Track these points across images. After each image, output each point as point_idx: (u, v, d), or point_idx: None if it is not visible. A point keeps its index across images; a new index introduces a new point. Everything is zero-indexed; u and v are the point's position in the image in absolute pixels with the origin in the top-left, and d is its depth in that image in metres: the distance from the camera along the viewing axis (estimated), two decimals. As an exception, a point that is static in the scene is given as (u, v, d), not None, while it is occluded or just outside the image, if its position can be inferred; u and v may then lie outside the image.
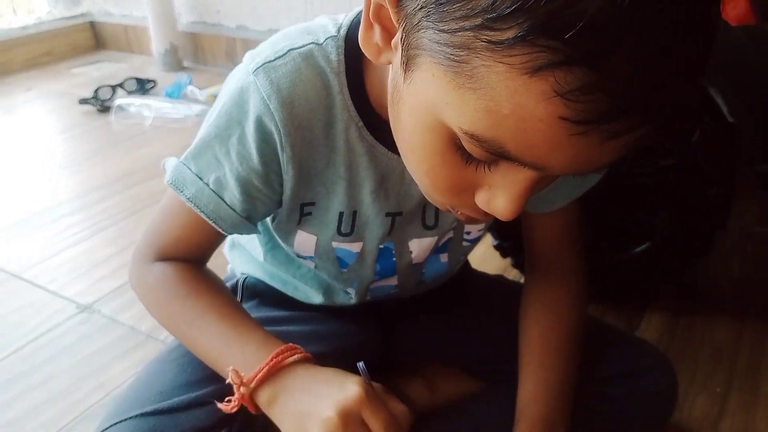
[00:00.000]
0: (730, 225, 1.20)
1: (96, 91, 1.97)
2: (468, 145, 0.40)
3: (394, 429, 0.52)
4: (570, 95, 0.34)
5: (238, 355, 0.56)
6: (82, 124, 1.89)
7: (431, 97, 0.40)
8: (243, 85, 0.53)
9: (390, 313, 0.76)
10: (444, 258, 0.70)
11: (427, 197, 0.50)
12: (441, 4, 0.36)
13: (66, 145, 1.76)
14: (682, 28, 0.34)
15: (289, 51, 0.53)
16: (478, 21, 0.34)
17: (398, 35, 0.42)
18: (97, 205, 1.41)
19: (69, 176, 1.57)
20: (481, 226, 0.68)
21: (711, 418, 0.82)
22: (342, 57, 0.53)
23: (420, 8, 0.38)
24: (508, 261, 1.02)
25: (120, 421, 0.56)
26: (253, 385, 0.54)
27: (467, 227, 0.67)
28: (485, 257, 1.06)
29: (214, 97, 1.99)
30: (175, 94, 1.99)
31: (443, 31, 0.37)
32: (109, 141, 1.77)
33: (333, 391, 0.52)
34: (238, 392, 0.54)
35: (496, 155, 0.39)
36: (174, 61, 2.30)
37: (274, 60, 0.52)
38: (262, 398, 0.54)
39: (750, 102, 0.81)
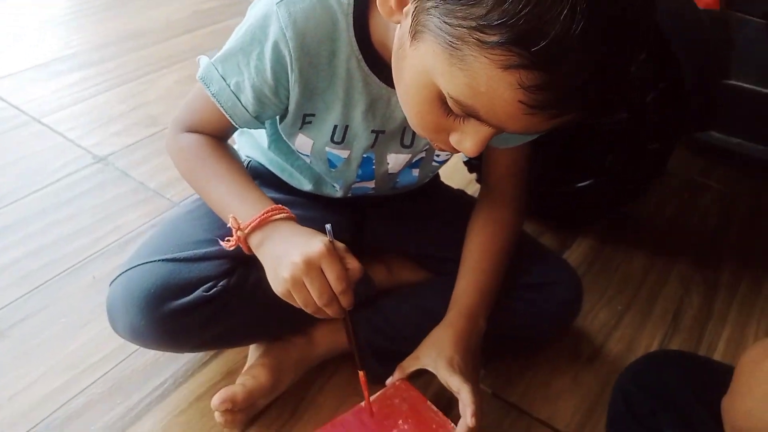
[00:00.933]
0: (676, 172, 1.36)
1: (110, -62, 1.97)
2: (451, 104, 0.54)
3: (345, 280, 0.65)
4: (528, 89, 0.47)
5: (239, 207, 0.71)
6: (95, -29, 1.90)
7: (430, 65, 0.53)
8: (267, 12, 0.65)
9: (365, 209, 0.92)
10: (415, 172, 0.85)
11: (413, 129, 0.63)
12: (448, 3, 0.48)
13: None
14: (615, 52, 0.47)
15: None
16: (473, 24, 0.47)
17: (410, 8, 0.53)
18: (110, 62, 1.49)
19: (82, 27, 1.63)
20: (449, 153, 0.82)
21: (607, 328, 1.02)
22: (352, 2, 0.65)
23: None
24: (472, 176, 1.16)
25: (143, 263, 0.73)
26: (247, 230, 0.69)
27: (437, 151, 0.81)
28: (455, 169, 1.20)
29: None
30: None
31: (446, 23, 0.49)
32: (121, -6, 1.81)
33: (302, 242, 0.66)
34: (236, 234, 0.69)
35: (470, 115, 0.53)
36: None
37: None
38: (253, 242, 0.70)
39: (704, 78, 0.93)
